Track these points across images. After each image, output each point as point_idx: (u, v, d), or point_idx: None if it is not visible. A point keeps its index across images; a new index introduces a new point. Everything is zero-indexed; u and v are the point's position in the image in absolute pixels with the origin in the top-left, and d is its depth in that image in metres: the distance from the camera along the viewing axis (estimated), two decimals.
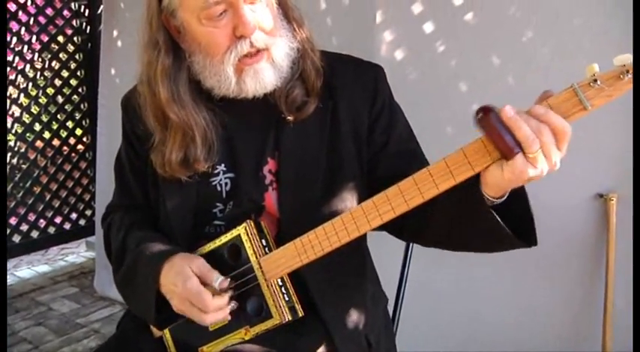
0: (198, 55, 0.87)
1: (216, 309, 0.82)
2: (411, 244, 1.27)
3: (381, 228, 0.96)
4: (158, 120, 0.90)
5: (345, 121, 0.94)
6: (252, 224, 0.87)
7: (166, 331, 0.95)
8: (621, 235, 1.40)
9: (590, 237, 1.46)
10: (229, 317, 0.85)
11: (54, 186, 3.26)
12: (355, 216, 0.77)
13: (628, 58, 0.62)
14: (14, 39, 3.05)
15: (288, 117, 0.90)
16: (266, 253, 0.86)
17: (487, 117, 0.64)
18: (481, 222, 0.73)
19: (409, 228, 0.91)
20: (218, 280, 0.82)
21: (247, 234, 0.86)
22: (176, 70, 0.88)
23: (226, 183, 0.95)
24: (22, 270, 3.16)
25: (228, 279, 0.84)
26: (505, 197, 0.73)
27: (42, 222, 3.23)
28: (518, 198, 0.74)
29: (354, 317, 0.96)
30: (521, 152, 0.63)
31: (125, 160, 1.05)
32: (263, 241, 0.87)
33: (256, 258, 0.85)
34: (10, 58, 3.05)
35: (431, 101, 1.61)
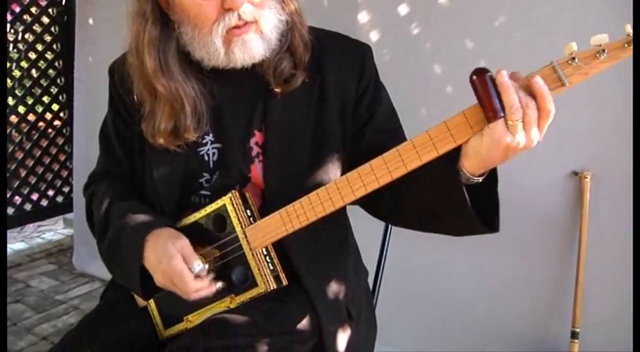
0: (186, 26, 0.86)
1: (196, 291, 0.83)
2: None
3: (359, 203, 0.99)
4: (148, 90, 0.90)
5: (332, 95, 0.94)
6: (237, 194, 0.88)
7: (151, 301, 0.96)
8: (594, 212, 1.44)
9: (564, 214, 1.50)
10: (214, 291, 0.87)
11: (30, 163, 3.18)
12: (340, 187, 0.78)
13: (604, 38, 0.65)
14: None
15: (276, 90, 0.91)
16: (251, 223, 0.87)
17: (482, 77, 0.67)
18: (452, 199, 0.76)
19: (385, 204, 0.93)
20: (197, 268, 0.83)
21: (233, 204, 0.87)
22: (165, 41, 0.88)
23: (214, 154, 0.96)
24: None
25: (206, 266, 0.85)
26: (482, 178, 0.75)
27: (17, 199, 3.17)
28: (489, 182, 0.77)
29: (335, 289, 0.98)
30: (503, 118, 0.66)
31: (111, 127, 1.04)
32: (248, 211, 0.88)
33: (242, 227, 0.86)
34: None
35: (407, 82, 1.63)
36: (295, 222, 0.82)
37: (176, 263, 0.82)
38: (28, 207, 3.24)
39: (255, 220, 0.88)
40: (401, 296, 1.73)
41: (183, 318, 0.92)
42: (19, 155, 3.15)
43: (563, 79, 0.66)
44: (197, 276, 0.83)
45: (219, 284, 0.86)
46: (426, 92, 1.62)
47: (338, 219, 1.03)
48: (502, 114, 0.66)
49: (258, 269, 0.85)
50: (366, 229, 1.22)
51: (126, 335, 0.92)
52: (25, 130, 3.16)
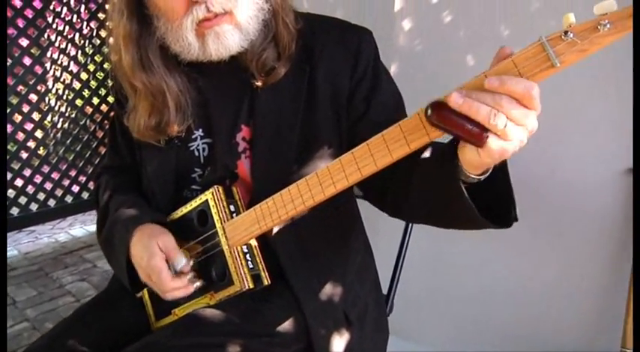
0: (160, 20, 0.84)
1: (173, 290, 0.84)
2: None
3: (366, 199, 0.93)
4: (129, 86, 0.90)
5: (323, 86, 0.89)
6: (220, 190, 0.86)
7: (145, 292, 0.97)
8: None
9: (618, 216, 1.33)
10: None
11: (102, 150, 3.41)
12: (310, 184, 0.73)
13: (611, 4, 0.52)
14: (64, 9, 3.18)
15: (257, 83, 0.87)
16: (232, 219, 0.84)
17: (438, 112, 0.58)
18: (452, 198, 0.67)
19: (389, 199, 0.86)
20: (180, 264, 0.83)
21: (214, 200, 0.85)
22: (144, 35, 0.86)
23: (204, 149, 0.94)
24: (75, 229, 3.36)
25: (190, 263, 0.85)
26: (488, 173, 0.66)
27: (91, 184, 3.40)
28: (499, 172, 0.67)
29: (329, 290, 0.93)
30: (490, 133, 0.56)
31: (116, 121, 1.07)
32: (231, 207, 0.86)
33: (221, 223, 0.84)
34: (60, 27, 3.19)
35: (440, 73, 1.52)
36: (268, 220, 0.78)
37: (155, 261, 0.82)
38: None
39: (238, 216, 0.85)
40: (432, 295, 1.64)
41: (171, 311, 0.92)
42: (93, 143, 3.38)
43: (554, 59, 0.54)
44: (179, 273, 0.84)
45: (197, 284, 0.85)
46: (459, 83, 1.50)
47: (339, 214, 0.97)
48: (487, 134, 0.56)
49: (235, 267, 0.82)
50: (385, 227, 1.15)
51: (119, 324, 0.94)
52: (99, 120, 3.39)
